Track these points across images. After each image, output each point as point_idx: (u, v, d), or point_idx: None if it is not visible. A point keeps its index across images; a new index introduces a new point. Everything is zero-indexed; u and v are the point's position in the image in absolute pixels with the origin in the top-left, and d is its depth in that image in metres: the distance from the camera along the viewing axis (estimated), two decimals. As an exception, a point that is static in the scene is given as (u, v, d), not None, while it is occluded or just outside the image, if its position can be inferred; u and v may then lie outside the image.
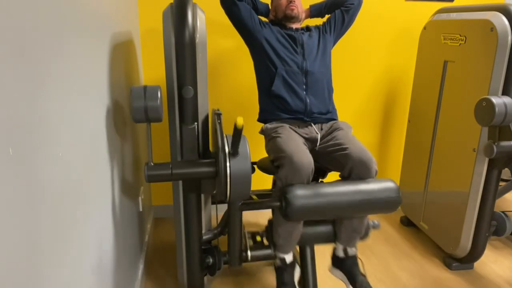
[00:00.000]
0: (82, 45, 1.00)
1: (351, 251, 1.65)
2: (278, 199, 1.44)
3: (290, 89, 1.78)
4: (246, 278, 1.96)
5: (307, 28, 1.94)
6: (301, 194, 1.40)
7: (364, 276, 1.61)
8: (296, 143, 1.58)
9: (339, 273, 1.68)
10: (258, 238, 1.70)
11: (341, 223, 1.62)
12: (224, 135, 1.38)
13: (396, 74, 2.61)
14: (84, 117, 1.00)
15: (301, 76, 1.80)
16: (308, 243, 1.65)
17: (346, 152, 1.53)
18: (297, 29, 1.90)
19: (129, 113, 1.66)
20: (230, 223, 1.51)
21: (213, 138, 1.50)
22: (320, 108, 1.80)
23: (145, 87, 1.28)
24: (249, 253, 1.63)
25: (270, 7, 1.98)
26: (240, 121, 1.18)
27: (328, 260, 1.73)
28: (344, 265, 1.65)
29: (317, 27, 1.95)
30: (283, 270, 1.61)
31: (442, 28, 2.07)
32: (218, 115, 1.44)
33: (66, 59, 0.86)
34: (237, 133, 1.23)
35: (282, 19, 1.90)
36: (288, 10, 1.86)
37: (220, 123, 1.41)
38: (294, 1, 1.86)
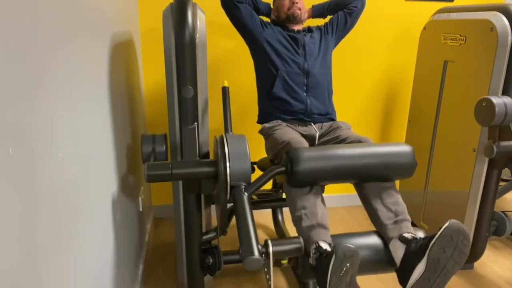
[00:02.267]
0: (82, 45, 1.00)
1: (408, 235, 1.29)
2: (283, 164, 1.36)
3: (291, 90, 1.79)
4: (246, 278, 1.96)
5: (309, 29, 1.94)
6: (307, 155, 1.32)
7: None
8: (293, 134, 1.61)
9: (401, 251, 1.29)
10: (284, 262, 1.48)
11: (376, 217, 1.39)
12: (225, 135, 1.39)
13: (396, 74, 2.61)
14: (84, 117, 1.00)
15: (302, 77, 1.80)
16: (365, 272, 1.38)
17: (346, 142, 1.56)
18: (298, 30, 1.89)
19: (130, 113, 1.67)
20: (238, 209, 1.26)
21: (213, 139, 1.51)
22: (320, 109, 1.81)
23: (153, 136, 1.47)
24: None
25: (272, 7, 1.97)
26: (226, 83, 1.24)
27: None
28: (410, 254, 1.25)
29: (318, 28, 1.95)
30: (325, 261, 1.19)
31: (442, 28, 2.07)
32: (225, 88, 1.51)
33: (66, 59, 0.86)
34: (225, 93, 1.28)
35: (284, 20, 1.89)
36: (291, 11, 1.85)
37: (228, 98, 1.48)
38: (297, 3, 1.85)
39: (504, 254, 2.22)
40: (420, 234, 1.34)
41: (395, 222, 1.36)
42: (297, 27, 1.91)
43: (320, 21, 2.01)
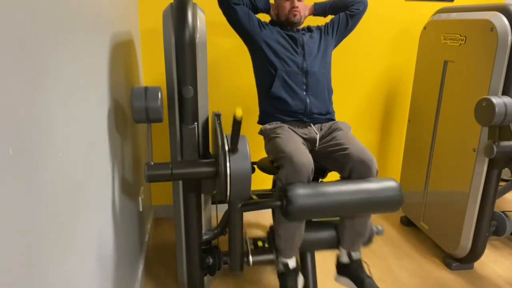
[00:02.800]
0: (82, 45, 1.00)
1: (355, 255, 1.64)
2: (278, 198, 1.43)
3: (290, 90, 1.78)
4: (246, 278, 1.96)
5: (308, 29, 1.92)
6: (302, 193, 1.39)
7: (371, 278, 1.59)
8: (295, 143, 1.58)
9: (345, 279, 1.65)
10: (260, 244, 1.67)
11: (343, 227, 1.61)
12: (224, 135, 1.38)
13: (396, 74, 2.61)
14: (84, 117, 1.00)
15: (301, 76, 1.79)
16: (310, 249, 1.63)
17: (346, 152, 1.53)
18: (297, 29, 1.89)
19: (130, 113, 1.66)
20: (230, 224, 1.50)
21: (213, 141, 1.51)
22: (320, 108, 1.80)
23: (146, 88, 1.29)
24: (250, 258, 1.60)
25: (271, 2, 1.94)
26: (239, 112, 1.16)
27: (328, 268, 1.71)
28: (350, 270, 1.63)
29: (318, 28, 1.94)
30: (286, 276, 1.58)
31: (442, 28, 2.07)
32: (217, 115, 1.44)
33: (66, 59, 0.86)
34: (236, 125, 1.20)
35: (283, 22, 1.88)
36: (291, 15, 1.84)
37: (220, 124, 1.41)
38: (298, 7, 1.84)
39: (504, 254, 2.22)
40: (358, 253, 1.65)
41: (352, 240, 1.63)
42: (296, 27, 1.90)
43: (320, 20, 2.01)
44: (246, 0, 1.82)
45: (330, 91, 1.87)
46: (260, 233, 2.39)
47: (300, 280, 1.61)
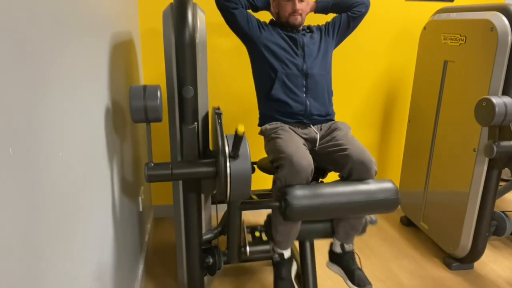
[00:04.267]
0: (82, 45, 1.00)
1: (348, 247, 1.68)
2: (277, 199, 1.44)
3: (290, 92, 1.77)
4: (246, 278, 1.96)
5: (309, 29, 1.91)
6: (300, 195, 1.41)
7: (361, 270, 1.63)
8: (295, 144, 1.57)
9: (336, 268, 1.71)
10: (257, 234, 1.73)
11: (339, 220, 1.64)
12: (224, 135, 1.38)
13: (396, 74, 2.61)
14: (84, 117, 1.00)
15: (301, 78, 1.78)
16: (307, 238, 1.67)
17: (346, 153, 1.53)
18: (298, 30, 1.88)
19: (129, 113, 1.66)
20: (229, 222, 1.51)
21: (213, 138, 1.50)
22: (320, 110, 1.80)
23: (144, 87, 1.27)
24: (248, 248, 1.67)
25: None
26: (241, 128, 1.17)
27: (326, 256, 1.74)
28: (342, 260, 1.68)
29: (319, 28, 1.92)
30: (281, 265, 1.63)
31: (442, 28, 2.07)
32: (218, 114, 1.43)
33: (66, 59, 0.86)
34: (238, 139, 1.23)
35: (284, 23, 1.86)
36: (292, 19, 1.82)
37: (220, 123, 1.40)
38: (299, 9, 1.81)
39: (504, 254, 2.23)
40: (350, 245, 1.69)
41: (347, 233, 1.66)
42: (297, 28, 1.90)
43: (320, 19, 2.00)
44: (244, 1, 1.81)
45: (330, 93, 1.87)
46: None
47: (294, 268, 1.69)
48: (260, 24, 1.84)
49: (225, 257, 1.64)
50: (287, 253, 1.64)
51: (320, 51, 1.85)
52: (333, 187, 1.48)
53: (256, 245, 1.73)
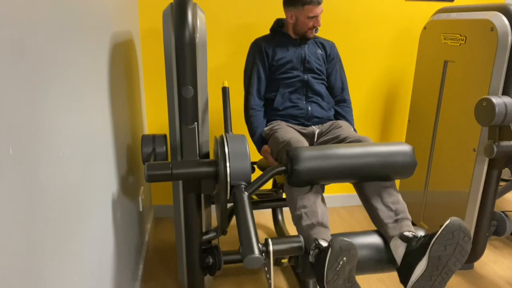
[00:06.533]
0: (82, 45, 1.00)
1: (410, 233, 1.29)
2: (283, 163, 1.37)
3: (291, 102, 1.86)
4: (246, 278, 1.96)
5: (315, 42, 1.95)
6: (308, 155, 1.31)
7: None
8: (293, 133, 1.66)
9: (401, 249, 1.29)
10: (284, 261, 1.47)
11: (374, 210, 1.39)
12: (224, 135, 1.38)
13: (396, 74, 2.61)
14: (84, 117, 1.00)
15: (302, 89, 1.87)
16: (365, 271, 1.37)
17: (343, 138, 1.58)
18: (304, 41, 1.93)
19: (129, 112, 1.66)
20: (238, 210, 1.25)
21: (213, 139, 1.51)
22: (321, 113, 1.88)
23: (153, 136, 1.48)
24: (271, 282, 1.30)
25: (288, 12, 1.88)
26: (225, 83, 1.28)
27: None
28: (410, 245, 1.27)
29: (324, 48, 1.95)
30: (323, 258, 1.18)
31: (442, 28, 2.07)
32: (224, 89, 1.54)
33: (66, 59, 0.86)
34: (225, 93, 1.33)
35: (298, 32, 1.89)
36: (310, 33, 1.87)
37: (227, 97, 1.52)
38: (317, 28, 1.87)
39: (504, 254, 2.22)
40: (421, 232, 1.33)
41: (396, 221, 1.35)
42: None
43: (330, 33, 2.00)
44: (260, 108, 1.90)
45: (330, 103, 1.95)
46: (261, 233, 2.38)
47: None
48: (266, 60, 1.89)
49: (225, 257, 1.62)
50: (323, 242, 1.28)
51: (320, 66, 1.92)
52: (343, 147, 1.39)
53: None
